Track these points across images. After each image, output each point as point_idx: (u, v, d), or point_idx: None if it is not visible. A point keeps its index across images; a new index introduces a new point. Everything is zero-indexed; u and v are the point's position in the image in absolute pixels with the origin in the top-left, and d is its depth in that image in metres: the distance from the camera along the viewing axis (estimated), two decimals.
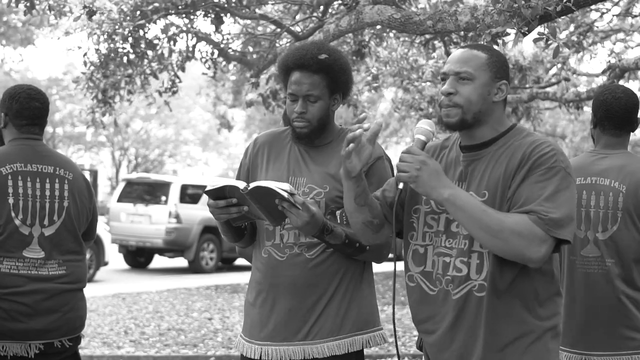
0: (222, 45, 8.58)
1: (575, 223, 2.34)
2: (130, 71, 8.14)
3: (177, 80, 8.57)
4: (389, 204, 2.57)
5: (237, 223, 2.89)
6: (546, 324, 2.39)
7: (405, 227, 2.55)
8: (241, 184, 2.71)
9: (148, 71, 8.27)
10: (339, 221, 2.88)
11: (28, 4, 6.82)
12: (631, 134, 3.42)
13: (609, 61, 10.16)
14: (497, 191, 2.37)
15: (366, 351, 3.35)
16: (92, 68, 8.07)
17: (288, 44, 8.31)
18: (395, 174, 2.39)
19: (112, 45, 7.81)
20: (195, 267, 15.78)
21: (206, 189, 2.76)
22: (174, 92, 8.66)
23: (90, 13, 7.28)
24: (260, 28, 9.89)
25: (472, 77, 2.41)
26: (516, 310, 2.35)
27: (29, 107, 3.49)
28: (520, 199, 2.31)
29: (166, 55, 8.25)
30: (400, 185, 2.37)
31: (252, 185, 2.68)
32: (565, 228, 2.28)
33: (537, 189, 2.30)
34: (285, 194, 2.63)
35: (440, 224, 2.47)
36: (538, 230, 2.25)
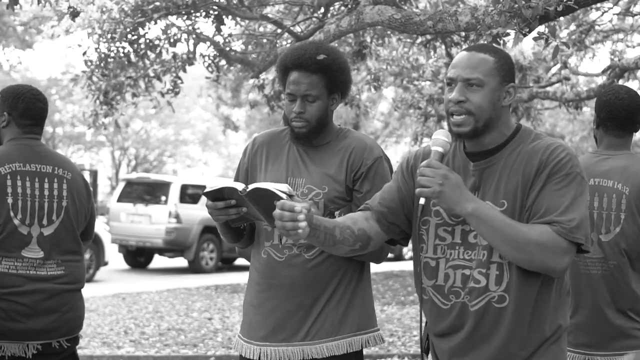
0: (223, 46, 8.57)
1: (588, 225, 2.33)
2: (132, 74, 8.13)
3: (179, 81, 8.57)
4: (391, 212, 2.51)
5: (235, 224, 2.88)
6: (563, 326, 2.39)
7: (414, 240, 2.50)
8: (239, 186, 2.70)
9: (151, 74, 8.26)
10: None
11: None
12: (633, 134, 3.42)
13: (612, 58, 10.15)
14: (516, 201, 2.33)
15: (366, 351, 3.34)
16: (92, 67, 8.06)
17: (289, 45, 8.31)
18: (416, 189, 2.32)
19: (112, 44, 7.80)
20: (195, 267, 15.78)
21: (204, 191, 2.75)
22: (177, 93, 8.66)
23: (74, 14, 7.25)
24: (261, 29, 9.88)
25: (482, 83, 2.35)
26: (538, 319, 2.34)
27: (35, 107, 3.50)
28: (540, 209, 2.28)
29: (166, 56, 8.24)
30: (422, 201, 2.32)
31: (251, 187, 2.67)
32: (584, 232, 2.28)
33: (557, 197, 2.27)
34: (284, 196, 2.62)
35: (455, 236, 2.41)
36: (562, 241, 2.24)
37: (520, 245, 2.23)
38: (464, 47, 8.48)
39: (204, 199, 10.63)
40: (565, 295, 2.41)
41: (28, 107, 3.48)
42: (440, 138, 2.36)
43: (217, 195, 2.75)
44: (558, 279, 2.37)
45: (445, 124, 13.27)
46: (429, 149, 2.40)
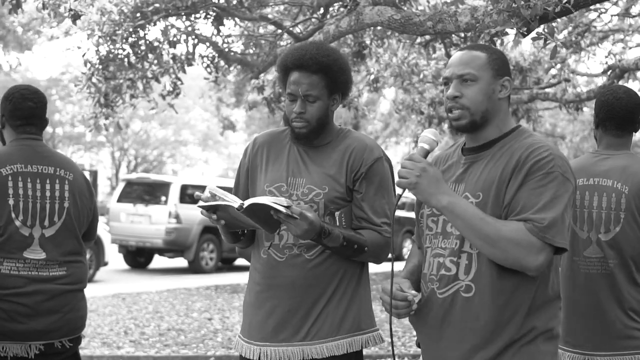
0: (222, 47, 8.58)
1: (565, 225, 2.34)
2: (131, 75, 8.13)
3: (178, 83, 8.57)
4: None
5: (233, 228, 2.88)
6: (540, 327, 2.38)
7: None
8: (236, 203, 2.68)
9: (150, 75, 8.26)
10: (337, 222, 2.87)
11: (14, 2, 6.76)
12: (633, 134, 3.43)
13: (606, 62, 10.16)
14: (490, 193, 2.38)
15: (366, 351, 3.35)
16: (91, 69, 8.06)
17: (288, 45, 8.31)
18: (396, 180, 2.41)
19: (112, 46, 7.81)
20: (195, 267, 15.78)
21: (198, 205, 2.74)
22: (177, 95, 8.66)
23: (75, 16, 7.26)
24: (260, 30, 9.90)
25: (476, 77, 2.43)
26: (507, 316, 2.35)
27: (22, 107, 3.49)
28: (517, 206, 2.32)
29: (166, 58, 8.24)
30: (400, 191, 2.39)
31: (247, 202, 2.66)
32: (557, 231, 2.29)
33: (534, 196, 2.31)
34: (283, 209, 2.62)
35: (438, 226, 2.49)
36: (534, 239, 2.27)
37: (493, 240, 2.27)
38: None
39: None
40: (553, 298, 2.42)
41: (15, 107, 3.49)
42: (427, 136, 2.44)
43: (213, 209, 2.75)
44: (541, 280, 2.38)
45: (446, 125, 13.28)
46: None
